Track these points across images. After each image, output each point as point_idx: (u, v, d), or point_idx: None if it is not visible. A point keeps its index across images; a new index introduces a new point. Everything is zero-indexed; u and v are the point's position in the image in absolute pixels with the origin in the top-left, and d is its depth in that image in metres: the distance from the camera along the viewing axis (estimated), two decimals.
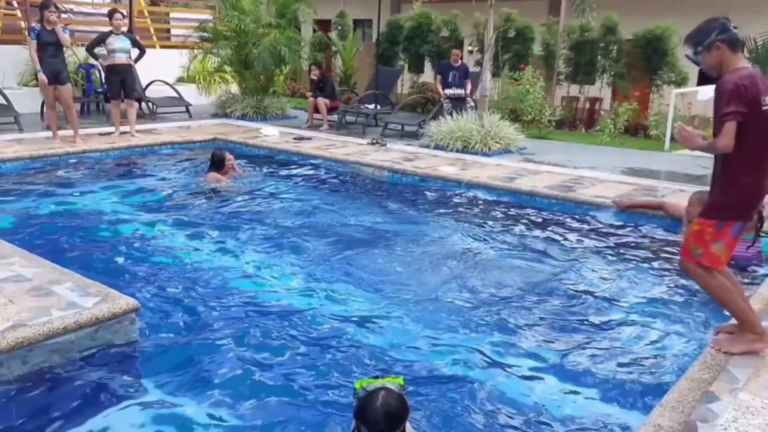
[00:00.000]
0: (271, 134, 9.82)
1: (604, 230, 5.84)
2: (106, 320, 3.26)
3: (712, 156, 3.25)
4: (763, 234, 4.47)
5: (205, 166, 7.31)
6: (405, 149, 9.11)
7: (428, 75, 14.12)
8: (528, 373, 3.34)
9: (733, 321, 3.32)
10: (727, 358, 3.07)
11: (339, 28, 16.19)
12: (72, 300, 3.36)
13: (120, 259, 4.75)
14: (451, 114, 9.72)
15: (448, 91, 10.41)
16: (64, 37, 8.02)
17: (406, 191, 7.24)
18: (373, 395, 2.18)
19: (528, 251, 5.26)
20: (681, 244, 5.19)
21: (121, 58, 8.83)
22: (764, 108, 3.03)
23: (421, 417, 2.87)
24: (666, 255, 5.16)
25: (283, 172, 8.05)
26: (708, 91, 10.20)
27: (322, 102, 10.93)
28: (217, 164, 7.00)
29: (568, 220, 6.14)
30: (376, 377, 2.27)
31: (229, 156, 7.08)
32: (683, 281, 4.57)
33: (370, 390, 2.20)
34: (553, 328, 3.86)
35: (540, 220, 6.14)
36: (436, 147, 9.08)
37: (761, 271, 4.67)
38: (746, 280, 4.49)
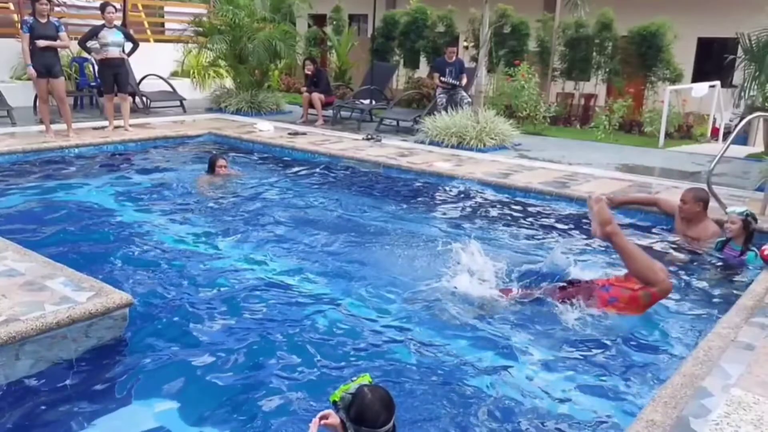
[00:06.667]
0: (265, 129, 9.80)
1: None
2: (100, 315, 3.24)
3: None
4: (750, 249, 4.71)
5: (199, 160, 7.28)
6: (400, 145, 9.11)
7: (423, 70, 14.13)
8: (519, 370, 3.34)
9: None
10: (720, 354, 3.09)
11: (334, 23, 16.16)
12: (65, 295, 3.35)
13: (113, 254, 4.72)
14: (446, 109, 9.71)
15: (444, 79, 10.30)
16: (64, 39, 8.02)
17: (401, 187, 7.23)
18: (360, 395, 2.16)
19: (522, 247, 5.26)
20: (675, 241, 5.28)
21: (113, 52, 8.79)
22: None
23: (408, 415, 2.88)
24: (659, 252, 5.18)
25: (278, 168, 8.03)
26: (702, 88, 10.26)
27: (317, 97, 10.91)
28: (211, 166, 7.02)
29: (562, 216, 6.15)
30: (347, 384, 2.25)
31: (221, 162, 7.05)
32: (676, 278, 4.59)
33: (354, 393, 2.18)
34: (544, 323, 3.86)
35: (534, 216, 6.15)
36: (431, 143, 9.08)
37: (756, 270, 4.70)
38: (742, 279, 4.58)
